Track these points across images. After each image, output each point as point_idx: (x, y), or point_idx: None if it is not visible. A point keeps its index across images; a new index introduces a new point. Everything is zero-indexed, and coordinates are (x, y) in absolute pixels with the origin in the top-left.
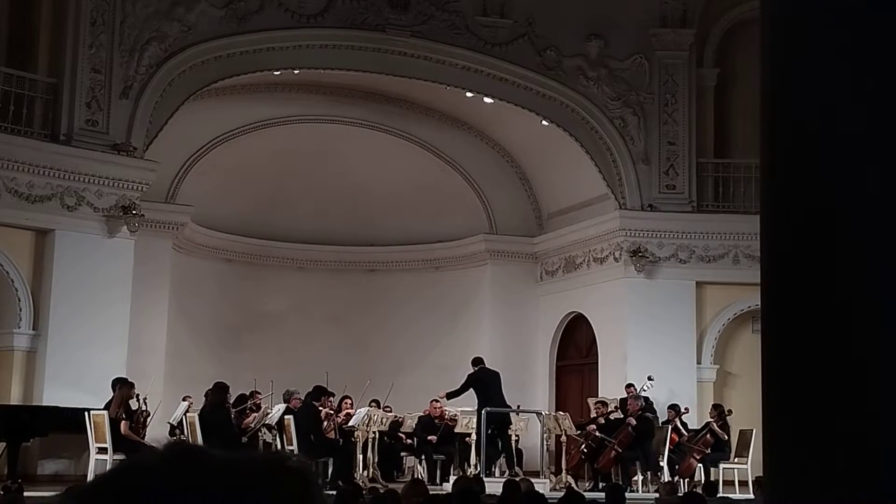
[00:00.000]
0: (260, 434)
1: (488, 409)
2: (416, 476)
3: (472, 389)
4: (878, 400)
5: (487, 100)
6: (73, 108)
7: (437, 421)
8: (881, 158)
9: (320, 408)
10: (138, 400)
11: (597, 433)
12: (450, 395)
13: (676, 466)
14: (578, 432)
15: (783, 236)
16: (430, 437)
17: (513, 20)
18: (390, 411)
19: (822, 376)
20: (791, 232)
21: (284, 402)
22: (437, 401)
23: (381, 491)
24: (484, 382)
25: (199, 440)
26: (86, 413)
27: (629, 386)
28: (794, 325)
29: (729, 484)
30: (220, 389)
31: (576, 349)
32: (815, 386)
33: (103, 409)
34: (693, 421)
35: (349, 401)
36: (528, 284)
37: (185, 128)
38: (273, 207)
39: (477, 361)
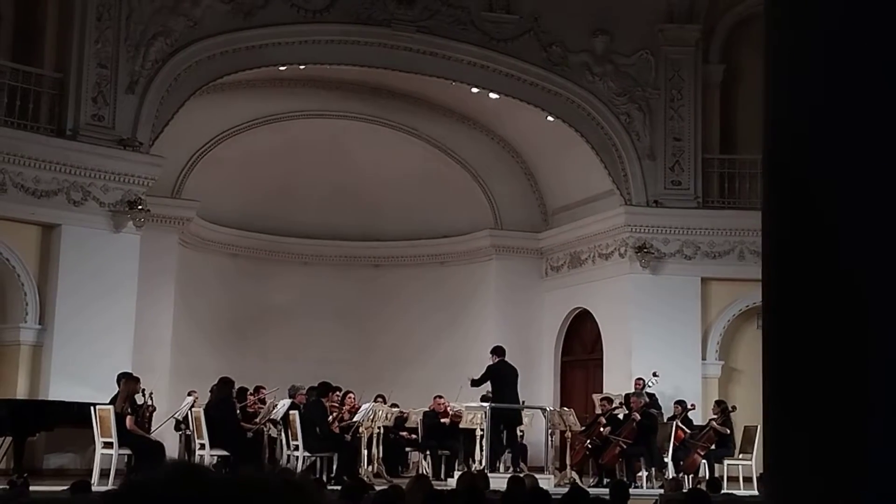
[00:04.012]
0: (265, 429)
1: (494, 405)
2: (420, 471)
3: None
4: (879, 396)
5: (493, 95)
6: (79, 103)
7: (441, 416)
8: (883, 155)
9: (328, 404)
10: (144, 395)
11: (602, 430)
12: (473, 382)
13: (681, 462)
14: (583, 429)
15: (784, 232)
16: (443, 420)
17: (518, 16)
18: (397, 407)
19: (823, 372)
20: (792, 227)
21: (290, 398)
22: (441, 396)
23: (386, 486)
24: (501, 376)
25: (205, 435)
26: (91, 407)
27: (638, 380)
28: (794, 321)
29: (733, 480)
30: (225, 384)
31: (581, 345)
32: (815, 382)
33: (109, 403)
34: (698, 417)
35: (352, 396)
36: (533, 280)
37: (190, 123)
38: (278, 202)
39: (498, 352)
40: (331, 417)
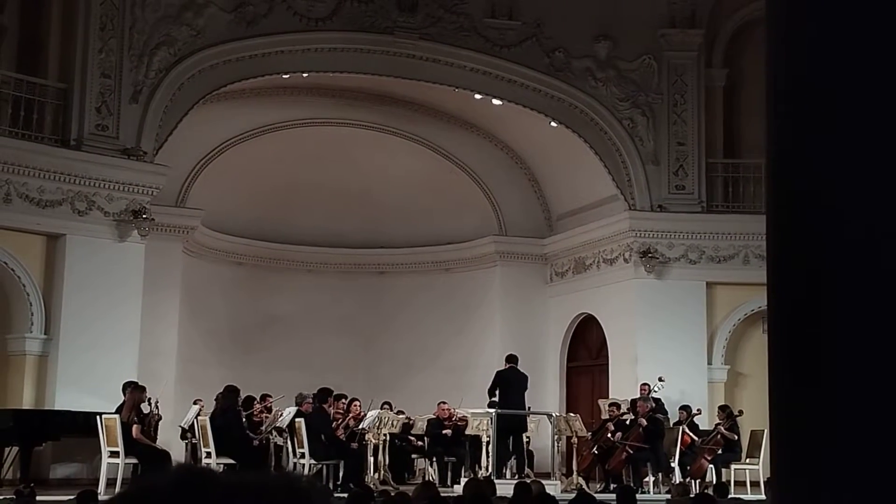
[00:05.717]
0: (271, 437)
1: (500, 411)
2: (426, 478)
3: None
4: (888, 401)
5: (496, 101)
6: (83, 113)
7: (445, 423)
8: (887, 157)
9: (331, 410)
10: (150, 404)
11: (610, 436)
12: (490, 393)
13: (688, 467)
14: (590, 434)
15: (788, 235)
16: (444, 431)
17: (521, 22)
18: (403, 414)
19: (829, 375)
20: (796, 230)
21: (296, 406)
22: (444, 402)
23: (392, 493)
24: (507, 382)
25: (211, 443)
26: (97, 417)
27: (644, 385)
28: (799, 326)
29: (740, 484)
30: (230, 393)
31: (586, 350)
32: (821, 385)
33: (115, 412)
34: (704, 422)
35: (358, 403)
36: (537, 286)
37: (194, 132)
38: (283, 210)
39: (510, 359)
40: (335, 424)
